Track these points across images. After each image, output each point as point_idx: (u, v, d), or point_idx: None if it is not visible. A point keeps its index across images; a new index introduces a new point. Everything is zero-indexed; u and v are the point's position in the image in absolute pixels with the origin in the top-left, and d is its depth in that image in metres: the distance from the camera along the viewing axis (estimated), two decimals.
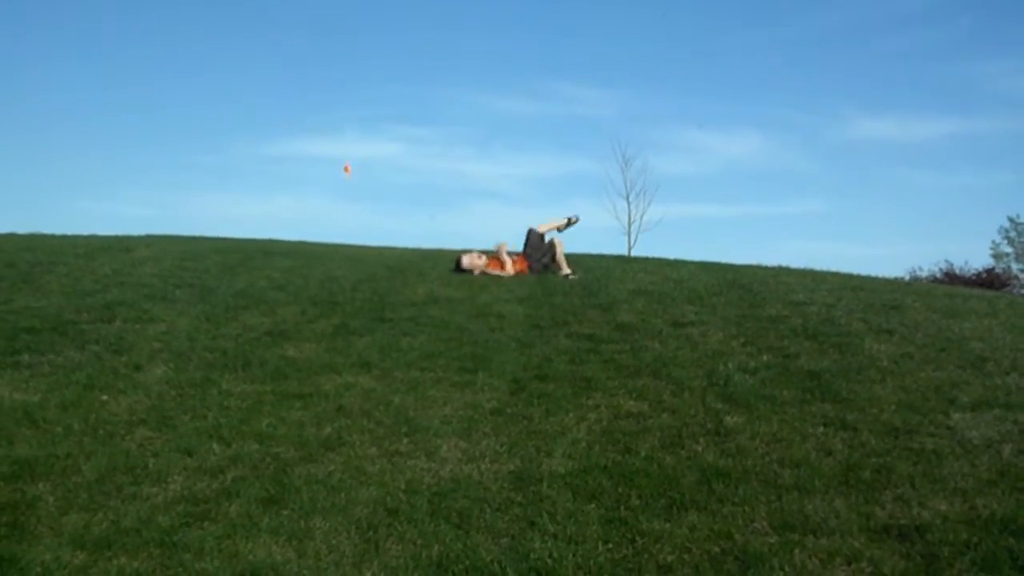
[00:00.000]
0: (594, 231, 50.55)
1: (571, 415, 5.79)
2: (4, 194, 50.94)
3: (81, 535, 4.28)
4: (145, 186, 56.17)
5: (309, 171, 57.51)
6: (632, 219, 36.51)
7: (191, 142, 59.86)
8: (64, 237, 13.12)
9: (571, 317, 8.20)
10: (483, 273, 10.42)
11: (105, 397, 6.05)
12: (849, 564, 3.97)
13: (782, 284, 9.95)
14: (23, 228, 14.56)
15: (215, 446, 5.29)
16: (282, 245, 12.93)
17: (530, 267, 10.95)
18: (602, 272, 10.61)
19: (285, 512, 4.52)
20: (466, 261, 10.74)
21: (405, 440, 5.43)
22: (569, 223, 11.62)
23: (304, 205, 53.57)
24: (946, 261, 29.01)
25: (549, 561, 4.06)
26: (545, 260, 10.96)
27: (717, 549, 4.15)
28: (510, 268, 10.67)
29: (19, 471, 4.90)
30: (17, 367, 6.58)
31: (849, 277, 11.40)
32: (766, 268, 11.75)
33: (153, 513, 4.49)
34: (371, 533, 4.33)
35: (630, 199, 36.72)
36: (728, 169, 55.33)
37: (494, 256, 11.13)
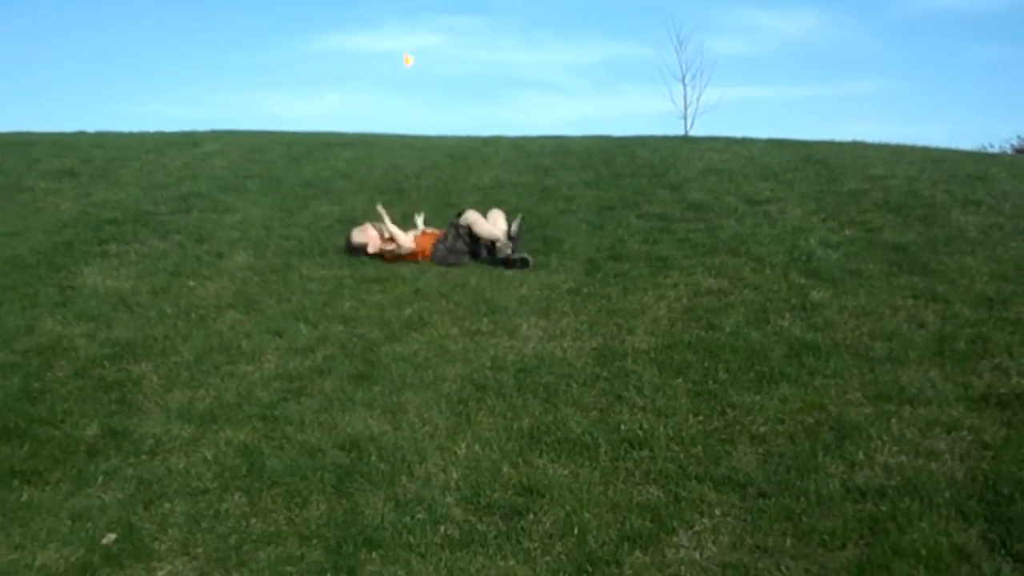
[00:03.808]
0: (648, 116, 49.61)
1: (650, 293, 5.77)
2: (65, 96, 51.35)
3: (187, 410, 4.44)
4: (187, 88, 55.96)
5: (351, 66, 56.66)
6: (688, 102, 35.56)
7: (232, 42, 59.27)
8: (131, 134, 13.19)
9: (641, 198, 8.10)
10: (380, 252, 7.04)
11: (192, 283, 6.17)
12: (949, 433, 3.96)
13: (860, 158, 9.68)
14: (88, 127, 14.68)
15: (302, 327, 5.39)
16: (342, 137, 12.86)
17: (434, 250, 7.04)
18: (668, 152, 10.39)
19: (376, 388, 4.62)
20: (355, 237, 7.24)
21: (485, 320, 5.47)
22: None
23: (349, 101, 52.99)
24: (1018, 137, 27.82)
25: (640, 432, 4.10)
26: (459, 246, 7.03)
27: (811, 420, 4.15)
28: (405, 242, 7.02)
29: (122, 352, 5.07)
30: (106, 256, 6.73)
31: (928, 150, 11.03)
32: (841, 143, 11.41)
33: (252, 389, 4.63)
34: (461, 407, 4.42)
35: (686, 81, 35.70)
36: (785, 49, 53.22)
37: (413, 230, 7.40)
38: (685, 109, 35.39)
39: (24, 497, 3.77)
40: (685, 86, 35.48)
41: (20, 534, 3.51)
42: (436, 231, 7.18)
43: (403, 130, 13.90)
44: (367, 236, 7.09)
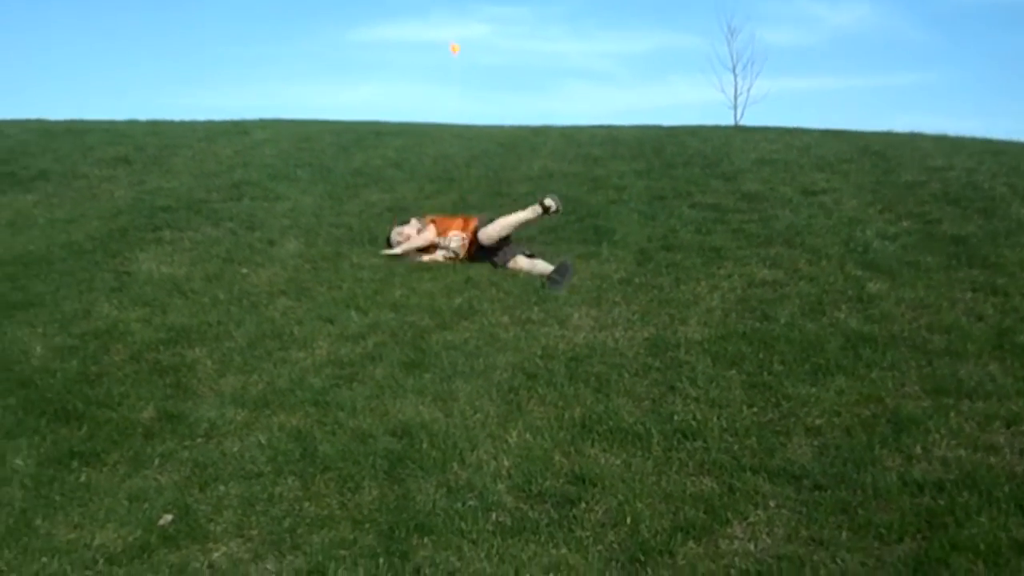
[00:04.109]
0: (695, 106, 49.20)
1: (703, 284, 5.71)
2: (117, 85, 52.15)
3: (240, 395, 4.48)
4: (234, 78, 56.50)
5: (395, 56, 56.75)
6: (739, 92, 35.18)
7: (278, 32, 59.64)
8: (183, 123, 13.35)
9: (693, 188, 8.03)
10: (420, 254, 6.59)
11: (245, 270, 6.23)
12: (1008, 427, 3.87)
13: (917, 150, 9.52)
14: (140, 115, 14.90)
15: (353, 314, 5.41)
16: (392, 126, 12.91)
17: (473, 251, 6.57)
18: (720, 142, 10.29)
19: (427, 375, 4.62)
20: (394, 236, 6.74)
21: (535, 309, 5.45)
22: (547, 212, 6.46)
23: (393, 90, 53.15)
24: None
25: (694, 423, 4.06)
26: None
27: (868, 412, 4.08)
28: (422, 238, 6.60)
29: (176, 337, 5.13)
30: (160, 243, 6.82)
31: (989, 142, 10.80)
32: (898, 134, 11.21)
33: (304, 375, 4.66)
34: (512, 395, 4.40)
35: (736, 71, 35.31)
36: (836, 39, 52.50)
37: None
38: (735, 99, 35.10)
39: (83, 478, 3.82)
40: (736, 76, 35.19)
41: (79, 514, 3.56)
42: (444, 216, 6.90)
43: (448, 120, 13.84)
44: (406, 237, 6.65)
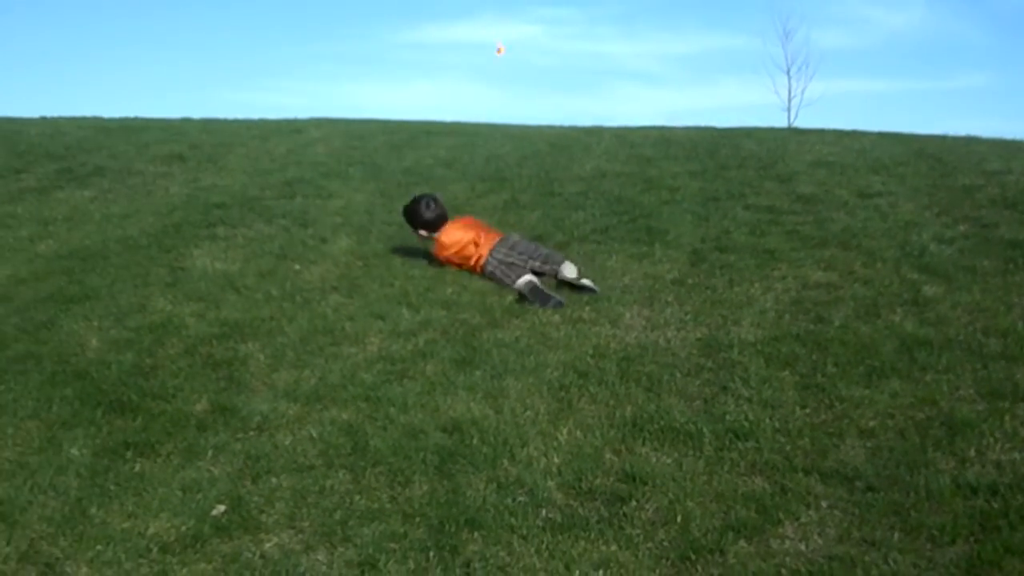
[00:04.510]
0: (747, 108, 48.79)
1: (756, 285, 5.65)
2: (170, 83, 52.98)
3: (292, 389, 4.52)
4: (285, 77, 57.10)
5: (444, 56, 56.96)
6: (792, 94, 34.88)
7: (327, 31, 60.15)
8: (236, 121, 13.54)
9: (747, 189, 7.95)
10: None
11: (297, 267, 6.29)
12: None
13: (974, 153, 9.32)
14: (193, 113, 15.14)
15: (405, 311, 5.43)
16: (442, 125, 12.96)
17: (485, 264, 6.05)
18: (775, 144, 10.17)
19: (478, 372, 4.63)
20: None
21: (587, 308, 5.43)
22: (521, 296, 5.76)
23: (441, 90, 53.37)
24: None
25: (746, 424, 4.02)
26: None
27: (922, 415, 4.01)
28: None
29: (230, 332, 5.19)
30: (214, 239, 6.91)
31: None
32: (955, 138, 11.00)
33: (356, 371, 4.69)
34: (563, 393, 4.39)
35: (791, 73, 35.01)
36: (891, 41, 51.72)
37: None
38: (789, 101, 34.86)
39: (137, 468, 3.88)
40: (790, 78, 34.91)
41: (133, 503, 3.61)
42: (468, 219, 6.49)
43: (497, 120, 13.88)
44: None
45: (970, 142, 10.65)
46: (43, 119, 13.35)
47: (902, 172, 8.36)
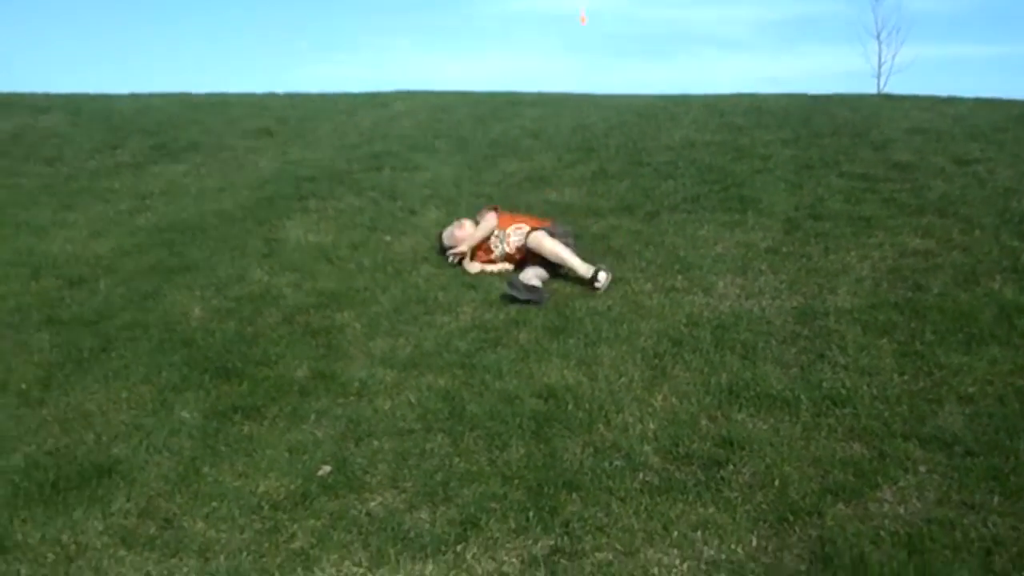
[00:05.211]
0: (834, 75, 47.54)
1: (852, 253, 5.56)
2: (254, 57, 53.76)
3: (389, 356, 4.61)
4: (362, 48, 57.36)
5: (525, 27, 56.59)
6: (883, 60, 33.90)
7: (408, 4, 60.26)
8: (322, 95, 13.69)
9: (842, 157, 7.78)
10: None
11: (388, 238, 6.39)
12: None
13: None
14: (277, 87, 15.31)
15: (496, 281, 5.48)
16: (527, 96, 12.91)
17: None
18: (869, 111, 9.93)
19: (571, 340, 4.65)
20: (445, 241, 6.07)
21: (679, 277, 5.41)
22: (591, 281, 5.41)
23: (521, 61, 53.03)
24: None
25: (843, 391, 3.98)
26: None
27: (1022, 382, 3.95)
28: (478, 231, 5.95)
29: (326, 301, 5.31)
30: (306, 212, 7.05)
31: None
32: None
33: (450, 339, 4.76)
34: (657, 361, 4.40)
35: (881, 39, 34.00)
36: (984, 4, 49.70)
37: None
38: (879, 67, 33.92)
39: (245, 430, 4.01)
40: (880, 43, 33.89)
41: (244, 463, 3.74)
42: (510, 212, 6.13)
43: (578, 89, 13.76)
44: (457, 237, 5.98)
45: None
46: (133, 95, 13.71)
47: (1001, 139, 8.10)
